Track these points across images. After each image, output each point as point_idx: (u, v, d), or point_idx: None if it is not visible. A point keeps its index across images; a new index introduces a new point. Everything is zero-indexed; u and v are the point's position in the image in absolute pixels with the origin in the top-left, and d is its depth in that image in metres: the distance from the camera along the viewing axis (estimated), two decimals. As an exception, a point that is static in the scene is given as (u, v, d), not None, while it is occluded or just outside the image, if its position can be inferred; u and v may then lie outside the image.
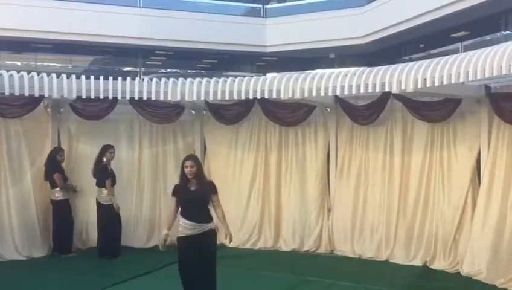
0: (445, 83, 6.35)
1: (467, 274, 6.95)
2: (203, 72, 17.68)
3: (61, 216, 8.10)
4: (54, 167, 8.11)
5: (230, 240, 5.52)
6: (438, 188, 7.59)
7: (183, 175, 5.31)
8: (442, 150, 7.59)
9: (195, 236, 5.17)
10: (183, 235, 5.21)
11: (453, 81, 6.27)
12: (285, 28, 15.98)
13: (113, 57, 17.31)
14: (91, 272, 7.28)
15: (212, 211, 5.43)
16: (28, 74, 7.77)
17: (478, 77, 6.06)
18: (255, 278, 7.08)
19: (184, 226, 5.21)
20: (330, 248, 8.44)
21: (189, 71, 17.52)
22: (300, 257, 8.24)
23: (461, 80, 6.21)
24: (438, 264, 7.39)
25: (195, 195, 5.26)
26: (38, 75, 7.80)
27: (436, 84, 6.43)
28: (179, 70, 17.65)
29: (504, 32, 12.54)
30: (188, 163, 5.28)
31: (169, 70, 17.83)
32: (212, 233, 5.30)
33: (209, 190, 5.39)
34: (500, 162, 6.89)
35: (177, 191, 5.36)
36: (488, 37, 12.99)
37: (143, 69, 17.05)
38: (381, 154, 8.11)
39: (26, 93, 7.65)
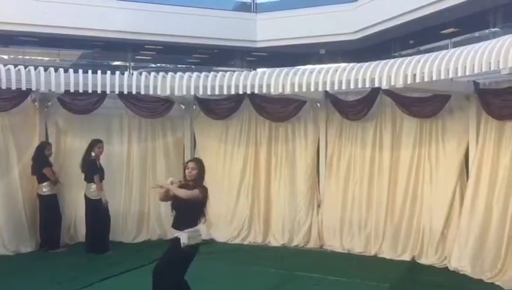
0: (434, 78, 6.38)
1: (455, 269, 7.00)
2: (193, 66, 17.63)
3: (49, 211, 8.03)
4: (43, 162, 8.03)
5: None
6: (427, 184, 7.64)
7: (184, 175, 5.14)
8: (430, 145, 7.64)
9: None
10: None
11: (442, 77, 6.31)
12: (275, 23, 15.95)
13: (102, 51, 17.17)
14: (79, 267, 7.22)
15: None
16: (15, 67, 7.68)
17: (467, 73, 6.10)
18: (245, 273, 7.07)
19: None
20: (319, 243, 8.46)
21: (179, 66, 17.45)
22: (290, 252, 8.25)
23: (450, 75, 6.24)
24: (426, 259, 7.45)
25: (180, 199, 4.99)
26: (25, 68, 7.71)
27: (426, 80, 6.46)
28: (168, 65, 17.58)
29: (493, 29, 12.62)
30: (190, 165, 5.12)
31: (159, 64, 17.73)
32: (176, 242, 4.96)
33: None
34: (488, 158, 6.94)
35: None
36: (477, 34, 13.06)
37: (132, 64, 16.92)
38: (370, 149, 8.14)
39: (13, 87, 7.56)
